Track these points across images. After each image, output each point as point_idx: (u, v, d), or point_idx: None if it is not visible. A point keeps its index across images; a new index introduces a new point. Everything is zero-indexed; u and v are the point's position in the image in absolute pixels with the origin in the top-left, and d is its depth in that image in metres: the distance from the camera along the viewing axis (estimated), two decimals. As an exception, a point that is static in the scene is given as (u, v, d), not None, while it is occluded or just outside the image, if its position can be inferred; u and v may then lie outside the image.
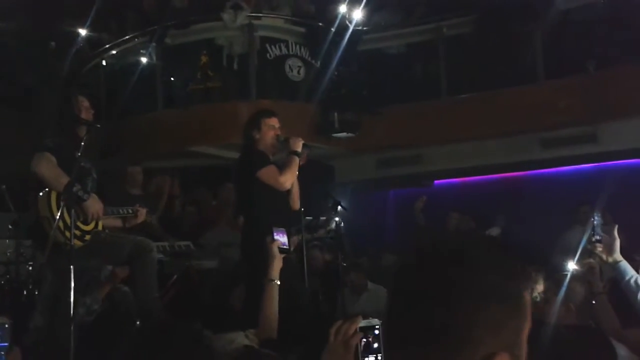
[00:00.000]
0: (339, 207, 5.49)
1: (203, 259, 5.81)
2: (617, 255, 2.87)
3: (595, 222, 2.94)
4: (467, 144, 7.77)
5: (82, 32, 8.31)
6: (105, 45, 8.38)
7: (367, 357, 1.41)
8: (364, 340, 1.43)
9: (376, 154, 8.32)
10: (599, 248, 2.90)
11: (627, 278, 2.81)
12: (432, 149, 8.03)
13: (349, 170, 8.60)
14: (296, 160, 4.44)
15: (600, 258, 2.90)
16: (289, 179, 4.43)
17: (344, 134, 7.71)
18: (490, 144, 7.71)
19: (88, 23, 8.15)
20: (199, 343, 1.69)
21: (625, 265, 2.85)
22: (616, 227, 3.04)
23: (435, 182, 9.12)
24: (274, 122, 4.56)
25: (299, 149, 4.51)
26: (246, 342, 2.72)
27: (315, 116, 7.63)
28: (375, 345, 1.41)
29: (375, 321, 1.45)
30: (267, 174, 4.37)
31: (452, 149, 7.96)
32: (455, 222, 7.79)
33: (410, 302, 0.94)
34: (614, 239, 2.89)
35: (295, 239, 5.68)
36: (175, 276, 5.36)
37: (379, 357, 1.39)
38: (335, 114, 7.61)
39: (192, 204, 7.35)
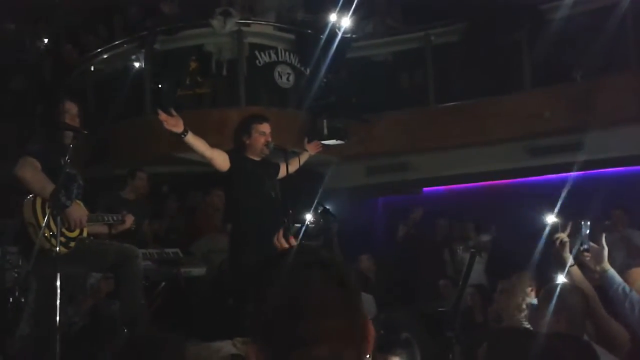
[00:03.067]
0: (328, 214, 5.50)
1: (191, 266, 5.78)
2: (605, 264, 2.88)
3: (583, 232, 2.94)
4: (455, 151, 7.80)
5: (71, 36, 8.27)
6: (93, 50, 8.36)
7: None
8: None
9: (365, 161, 8.34)
10: (588, 257, 2.91)
11: (614, 286, 2.82)
12: (420, 157, 8.06)
13: (337, 178, 8.60)
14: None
15: (589, 267, 2.92)
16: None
17: (332, 141, 7.72)
18: (477, 151, 7.75)
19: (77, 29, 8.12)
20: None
21: (613, 273, 2.87)
22: (604, 235, 3.06)
23: (424, 189, 9.15)
24: (265, 128, 4.56)
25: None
26: (234, 351, 2.70)
27: (304, 123, 7.64)
28: None
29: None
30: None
31: (441, 157, 7.99)
32: (442, 229, 7.83)
33: None
34: (602, 248, 2.90)
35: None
36: (162, 283, 5.32)
37: None
38: (324, 121, 7.62)
39: (184, 211, 7.33)
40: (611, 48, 7.04)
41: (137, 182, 6.19)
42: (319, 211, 5.43)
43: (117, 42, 8.16)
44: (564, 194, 7.43)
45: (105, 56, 8.29)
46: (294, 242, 2.46)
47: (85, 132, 3.93)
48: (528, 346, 1.80)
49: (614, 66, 7.16)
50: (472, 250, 5.01)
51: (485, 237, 7.38)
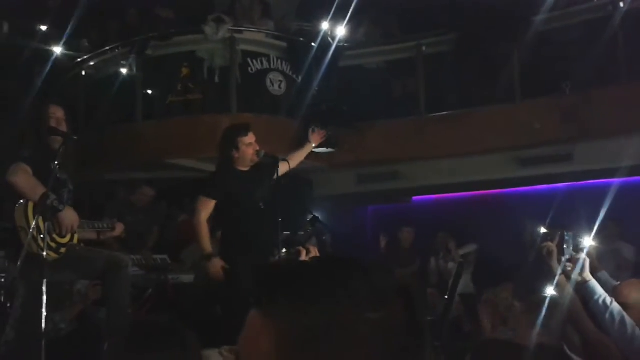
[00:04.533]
0: (318, 223, 5.51)
1: (180, 273, 5.77)
2: (587, 275, 2.87)
3: (565, 242, 2.94)
4: (445, 161, 7.84)
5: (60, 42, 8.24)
6: (84, 55, 8.35)
7: None
8: None
9: (355, 169, 8.35)
10: (569, 267, 2.91)
11: (595, 297, 2.81)
12: (410, 166, 8.08)
13: (328, 185, 8.62)
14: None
15: (570, 277, 2.91)
16: (199, 229, 4.49)
17: (323, 149, 7.72)
18: (467, 161, 7.78)
19: (68, 32, 8.09)
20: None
21: (594, 284, 2.86)
22: (586, 247, 3.07)
23: (413, 198, 9.18)
24: (250, 139, 4.58)
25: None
26: (220, 359, 2.69)
27: (296, 131, 7.65)
28: None
29: None
30: (198, 202, 4.52)
31: (431, 166, 8.02)
32: (407, 235, 7.84)
33: None
34: (583, 258, 2.89)
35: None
36: (150, 290, 5.30)
37: None
38: (316, 129, 7.63)
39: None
40: (601, 60, 7.10)
41: (137, 197, 6.26)
42: (309, 219, 5.43)
43: (109, 47, 8.15)
44: (553, 205, 7.50)
45: (97, 61, 8.28)
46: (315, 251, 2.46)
47: (74, 137, 3.92)
48: (511, 359, 1.80)
49: (604, 78, 7.21)
50: (460, 260, 5.04)
51: (471, 247, 7.40)
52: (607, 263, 6.58)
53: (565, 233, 2.93)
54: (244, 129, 4.63)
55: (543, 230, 3.45)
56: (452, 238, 7.62)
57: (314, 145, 5.17)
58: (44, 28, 8.33)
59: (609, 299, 2.79)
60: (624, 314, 2.75)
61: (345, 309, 0.91)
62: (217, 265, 4.37)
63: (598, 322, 2.84)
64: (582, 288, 2.86)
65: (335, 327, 0.91)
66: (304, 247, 2.53)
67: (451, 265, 7.01)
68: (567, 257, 2.90)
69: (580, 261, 2.90)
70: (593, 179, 7.76)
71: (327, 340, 0.91)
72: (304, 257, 2.45)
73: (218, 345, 2.85)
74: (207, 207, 4.49)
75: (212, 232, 5.37)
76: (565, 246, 2.92)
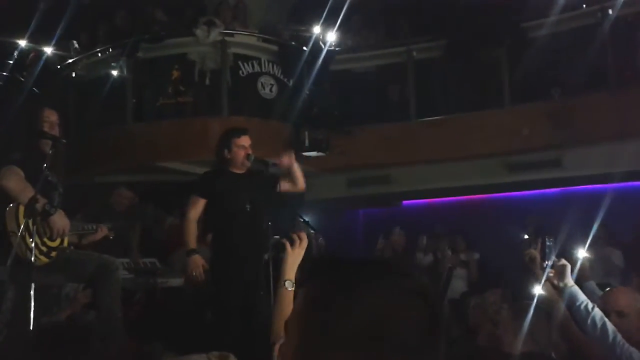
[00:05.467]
0: (307, 227, 5.51)
1: (169, 276, 5.74)
2: (569, 281, 2.87)
3: (547, 248, 2.94)
4: (435, 166, 7.87)
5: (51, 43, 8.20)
6: (74, 56, 8.31)
7: None
8: None
9: (346, 173, 8.38)
10: (551, 273, 2.91)
11: (577, 303, 2.82)
12: (400, 170, 8.11)
13: (318, 189, 8.62)
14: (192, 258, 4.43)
15: (552, 283, 2.91)
16: (186, 226, 4.48)
17: (314, 153, 7.75)
18: (457, 166, 7.82)
19: (58, 33, 8.05)
20: None
21: (576, 290, 2.86)
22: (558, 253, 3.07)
23: (404, 202, 9.20)
24: (244, 141, 4.58)
25: None
26: (208, 364, 2.69)
27: (287, 134, 7.66)
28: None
29: None
30: (189, 201, 4.51)
31: (420, 171, 8.05)
32: (398, 238, 7.83)
33: None
34: (565, 265, 2.90)
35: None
36: (138, 294, 5.28)
37: None
38: (306, 132, 7.66)
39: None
40: (590, 67, 7.16)
41: (115, 198, 6.20)
42: (296, 224, 5.43)
43: (100, 49, 8.12)
44: (541, 210, 7.55)
45: (87, 62, 8.25)
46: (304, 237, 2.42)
47: (64, 141, 3.90)
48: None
49: (593, 85, 7.28)
50: (450, 265, 5.06)
51: (474, 256, 7.42)
52: (595, 268, 6.64)
53: (547, 239, 2.94)
54: (240, 131, 4.66)
55: (525, 236, 3.48)
56: (461, 240, 7.62)
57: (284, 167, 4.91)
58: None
59: (590, 305, 2.80)
60: (606, 320, 2.77)
61: (381, 300, 0.98)
62: (197, 262, 4.37)
63: (580, 327, 2.85)
64: (565, 294, 2.86)
65: (372, 316, 0.96)
66: (288, 239, 2.44)
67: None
68: (549, 263, 2.91)
69: (563, 267, 2.90)
70: (582, 185, 7.82)
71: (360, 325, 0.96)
72: (290, 249, 2.41)
73: (207, 350, 2.85)
74: (196, 206, 4.49)
75: (203, 235, 5.37)
76: (547, 252, 2.92)
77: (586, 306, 2.79)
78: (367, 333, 0.95)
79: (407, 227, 8.06)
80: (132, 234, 6.10)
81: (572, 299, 2.83)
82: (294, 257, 2.37)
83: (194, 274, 4.37)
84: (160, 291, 5.54)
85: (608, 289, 3.36)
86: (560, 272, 2.88)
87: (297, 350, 1.03)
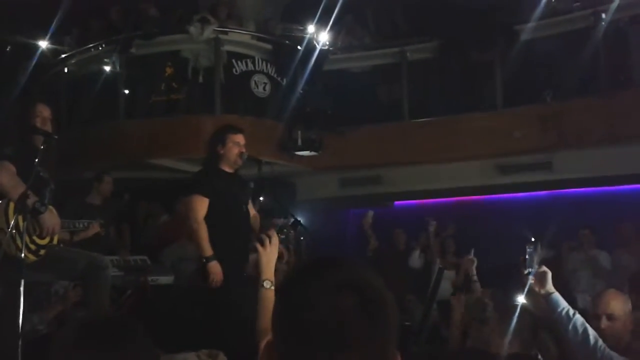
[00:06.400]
0: (298, 226, 5.51)
1: (159, 274, 5.73)
2: (550, 287, 2.88)
3: (528, 255, 2.94)
4: (427, 167, 7.90)
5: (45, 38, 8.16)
6: (67, 52, 8.28)
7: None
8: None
9: (338, 173, 8.38)
10: (532, 280, 2.91)
11: (559, 310, 2.83)
12: (393, 171, 8.13)
13: (310, 189, 8.64)
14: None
15: (533, 290, 2.92)
16: (197, 228, 4.30)
17: (306, 152, 7.75)
18: (449, 167, 7.85)
19: (51, 29, 8.02)
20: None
21: (557, 297, 2.87)
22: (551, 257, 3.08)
23: (396, 203, 9.22)
24: (239, 139, 4.55)
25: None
26: (198, 363, 2.69)
27: (280, 133, 7.66)
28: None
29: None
30: (190, 202, 4.34)
31: (412, 172, 8.07)
32: (399, 237, 7.80)
33: None
34: (545, 272, 2.91)
35: (253, 256, 5.68)
36: (129, 291, 5.27)
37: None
38: (299, 131, 7.66)
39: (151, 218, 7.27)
40: (582, 70, 7.21)
41: (104, 186, 6.13)
42: (290, 223, 5.44)
43: (92, 45, 8.09)
44: (531, 212, 7.58)
45: (80, 58, 8.22)
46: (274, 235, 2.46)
47: (56, 136, 3.88)
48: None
49: (585, 88, 7.32)
50: (440, 266, 5.07)
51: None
52: (583, 270, 6.69)
53: (527, 247, 2.94)
54: (236, 128, 4.63)
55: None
56: (453, 242, 7.61)
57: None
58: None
59: (572, 311, 2.82)
60: (587, 325, 2.78)
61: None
62: (217, 269, 4.21)
63: (561, 333, 2.87)
64: (546, 300, 2.88)
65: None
66: (258, 240, 2.49)
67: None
68: (530, 269, 2.91)
69: (543, 274, 2.90)
70: (571, 188, 7.87)
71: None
72: (262, 249, 2.45)
73: (196, 348, 2.85)
74: (203, 206, 4.31)
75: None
76: (527, 259, 2.92)
77: (567, 312, 2.81)
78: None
79: (399, 228, 8.07)
80: (108, 233, 6.00)
81: (554, 305, 2.84)
82: (267, 255, 2.42)
83: (215, 281, 4.22)
84: (151, 289, 5.53)
85: (598, 291, 3.36)
86: (540, 279, 2.89)
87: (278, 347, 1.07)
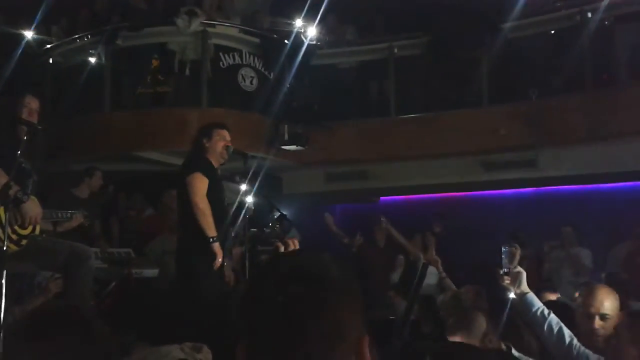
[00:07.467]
0: (285, 220, 5.52)
1: (144, 267, 5.71)
2: (524, 287, 2.91)
3: (503, 255, 2.95)
4: (413, 162, 7.93)
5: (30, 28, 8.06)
6: (53, 42, 8.20)
7: None
8: None
9: (324, 168, 8.40)
10: (507, 280, 2.94)
11: (534, 310, 2.85)
12: (378, 166, 8.16)
13: (296, 183, 8.65)
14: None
15: (508, 290, 2.94)
16: (203, 206, 4.23)
17: (293, 147, 7.76)
18: (434, 163, 7.89)
19: (37, 19, 7.92)
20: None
21: (532, 297, 2.89)
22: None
23: (381, 198, 9.25)
24: (225, 134, 4.58)
25: None
26: (182, 355, 2.68)
27: (266, 127, 7.65)
28: None
29: None
30: (193, 179, 4.26)
31: (399, 167, 8.11)
32: (381, 234, 7.81)
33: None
34: (520, 272, 2.93)
35: (238, 250, 5.68)
36: (113, 283, 5.25)
37: None
38: (285, 126, 7.66)
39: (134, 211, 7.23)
40: (568, 69, 7.26)
41: (95, 180, 6.10)
42: (276, 217, 5.44)
43: (78, 35, 8.02)
44: (515, 210, 7.63)
45: (65, 49, 8.15)
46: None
47: (40, 127, 3.85)
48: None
49: (570, 87, 7.38)
50: (424, 261, 5.09)
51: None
52: (565, 268, 6.75)
53: (502, 247, 2.96)
54: (223, 124, 4.65)
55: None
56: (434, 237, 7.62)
57: None
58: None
59: (546, 311, 2.84)
60: (562, 325, 2.80)
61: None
62: (219, 249, 4.18)
63: (537, 333, 2.89)
64: (521, 300, 2.90)
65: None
66: (281, 241, 2.48)
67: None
68: (505, 270, 2.94)
69: (518, 274, 2.92)
70: (555, 185, 7.94)
71: None
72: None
73: (180, 341, 2.85)
74: (205, 184, 4.23)
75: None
76: (503, 259, 2.94)
77: (542, 312, 2.84)
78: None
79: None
80: (92, 226, 5.95)
81: (529, 305, 2.87)
82: None
83: (218, 262, 4.19)
84: (135, 281, 5.51)
85: (584, 288, 3.30)
86: (515, 279, 2.92)
87: None
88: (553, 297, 4.59)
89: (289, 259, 1.14)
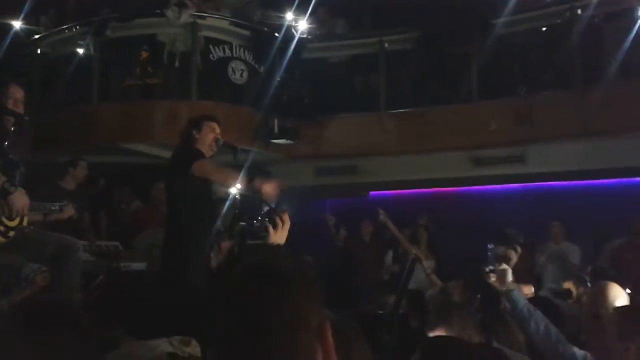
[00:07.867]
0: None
1: (132, 260, 5.68)
2: (510, 284, 2.94)
3: (489, 252, 2.98)
4: (403, 157, 7.94)
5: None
6: (41, 32, 8.12)
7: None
8: None
9: (314, 162, 8.38)
10: (493, 278, 2.95)
11: (519, 306, 2.89)
12: (368, 161, 8.15)
13: (286, 177, 8.60)
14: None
15: (494, 287, 2.96)
16: (221, 176, 4.17)
17: (282, 140, 7.74)
18: (424, 159, 7.89)
19: (26, 9, 7.84)
20: None
21: (517, 294, 2.92)
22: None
23: (371, 193, 9.26)
24: (215, 126, 4.53)
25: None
26: (170, 349, 2.67)
27: (256, 121, 7.63)
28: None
29: None
30: (201, 165, 4.21)
31: (388, 162, 8.11)
32: (367, 229, 7.81)
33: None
34: (506, 269, 2.95)
35: (226, 243, 5.65)
36: (101, 277, 5.21)
37: None
38: (275, 119, 7.63)
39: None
40: (557, 65, 7.30)
41: (79, 171, 6.04)
42: (265, 211, 5.40)
43: (67, 26, 7.94)
44: (505, 205, 7.66)
45: (53, 39, 8.07)
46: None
47: (27, 118, 3.81)
48: (459, 356, 1.86)
49: (559, 83, 7.41)
50: (413, 256, 5.12)
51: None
52: (552, 263, 6.79)
53: (488, 245, 2.99)
54: (213, 117, 4.60)
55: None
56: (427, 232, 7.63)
57: None
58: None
59: (532, 307, 2.87)
60: (548, 321, 2.82)
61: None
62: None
63: (523, 328, 2.91)
64: (507, 297, 2.92)
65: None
66: (270, 222, 2.43)
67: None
68: (491, 267, 2.96)
69: (503, 272, 2.94)
70: (544, 181, 7.98)
71: None
72: (273, 232, 2.41)
73: (169, 335, 2.83)
74: (208, 163, 4.18)
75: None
76: (489, 257, 2.97)
77: (528, 309, 2.86)
78: None
79: (375, 218, 8.10)
80: (82, 219, 5.90)
81: (515, 302, 2.89)
82: (276, 239, 2.35)
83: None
84: (122, 275, 5.47)
85: (592, 287, 3.21)
86: (501, 277, 2.93)
87: None
88: (527, 289, 4.64)
89: (245, 259, 1.16)
